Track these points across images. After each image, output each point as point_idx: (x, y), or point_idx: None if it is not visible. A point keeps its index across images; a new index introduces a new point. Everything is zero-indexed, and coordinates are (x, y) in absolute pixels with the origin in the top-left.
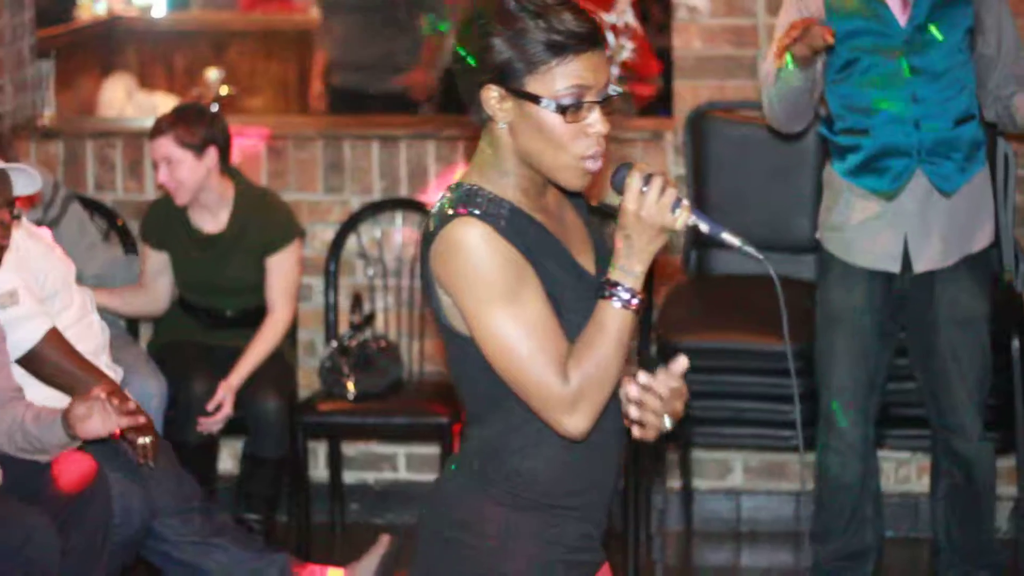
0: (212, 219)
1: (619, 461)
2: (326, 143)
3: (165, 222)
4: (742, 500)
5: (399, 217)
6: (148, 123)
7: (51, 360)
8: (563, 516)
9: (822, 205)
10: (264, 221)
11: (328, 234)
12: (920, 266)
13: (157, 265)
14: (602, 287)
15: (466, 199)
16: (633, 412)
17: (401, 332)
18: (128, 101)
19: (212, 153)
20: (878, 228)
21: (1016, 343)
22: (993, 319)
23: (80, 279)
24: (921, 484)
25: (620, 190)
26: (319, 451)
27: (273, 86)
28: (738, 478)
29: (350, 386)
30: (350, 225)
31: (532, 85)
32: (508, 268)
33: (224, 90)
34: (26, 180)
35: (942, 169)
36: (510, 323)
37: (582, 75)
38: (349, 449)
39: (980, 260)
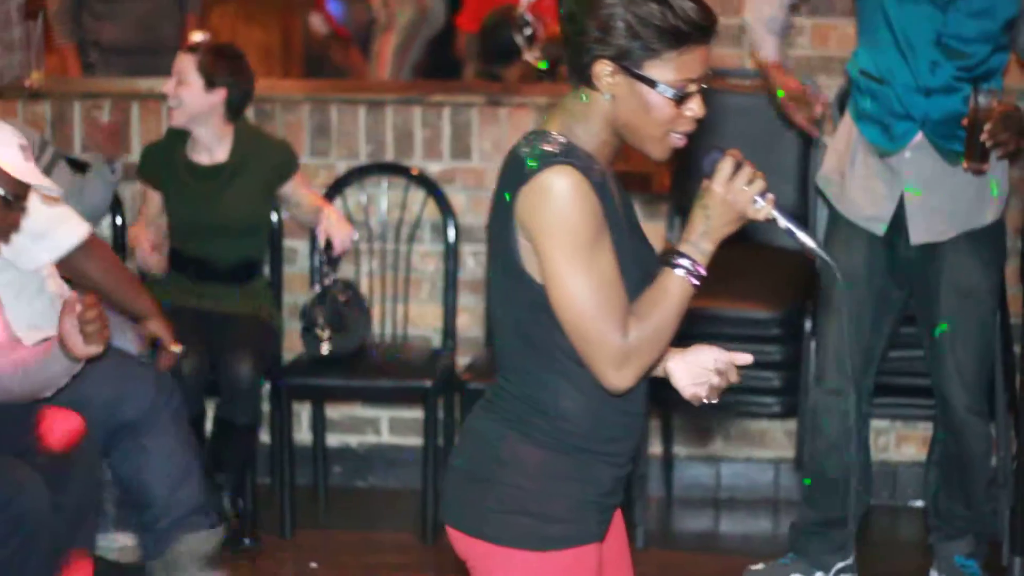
0: (209, 155)
1: (647, 411)
2: (313, 106)
3: (162, 158)
4: (722, 467)
5: (385, 181)
6: (134, 85)
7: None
8: (600, 460)
9: (831, 146)
10: (266, 151)
11: None
12: (917, 237)
13: (155, 206)
14: (670, 255)
15: (565, 149)
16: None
17: (386, 296)
18: None
19: (220, 93)
20: (874, 187)
21: (997, 315)
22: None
23: None
24: (900, 453)
25: (710, 173)
26: (303, 414)
27: (256, 50)
28: (718, 445)
29: (322, 335)
30: (336, 189)
31: (650, 69)
32: (593, 221)
33: None
34: None
35: (948, 142)
36: (585, 273)
37: (696, 67)
38: (333, 412)
39: (985, 235)
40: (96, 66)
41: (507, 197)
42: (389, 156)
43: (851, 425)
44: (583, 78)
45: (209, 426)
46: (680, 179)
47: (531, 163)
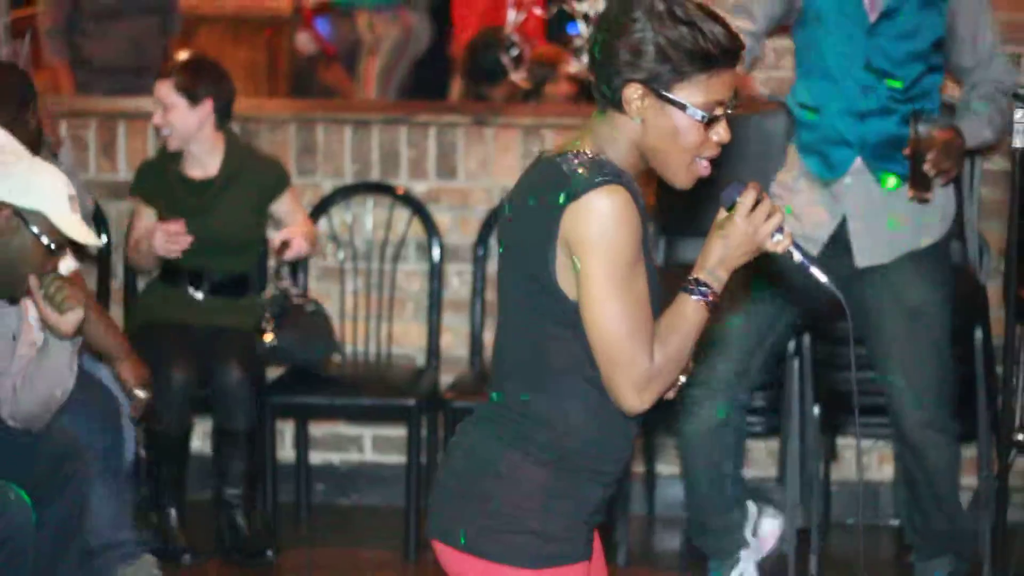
0: (202, 169)
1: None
2: (299, 126)
3: (155, 175)
4: None
5: (370, 201)
6: (121, 104)
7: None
8: (595, 480)
9: (778, 176)
10: (257, 168)
11: None
12: (862, 260)
13: (148, 221)
14: (688, 282)
15: (611, 169)
16: None
17: (370, 315)
18: None
19: (207, 105)
20: (816, 213)
21: (979, 333)
22: (954, 312)
23: None
24: (881, 472)
25: (728, 204)
26: (286, 431)
27: (242, 70)
28: None
29: (266, 326)
30: (321, 208)
31: (679, 92)
32: (636, 243)
33: None
34: None
35: (887, 164)
36: (623, 294)
37: (723, 90)
38: (316, 430)
39: (929, 254)
40: (85, 85)
41: (549, 210)
42: (375, 175)
43: (719, 432)
44: (612, 102)
45: (196, 443)
46: (665, 200)
47: (578, 182)
